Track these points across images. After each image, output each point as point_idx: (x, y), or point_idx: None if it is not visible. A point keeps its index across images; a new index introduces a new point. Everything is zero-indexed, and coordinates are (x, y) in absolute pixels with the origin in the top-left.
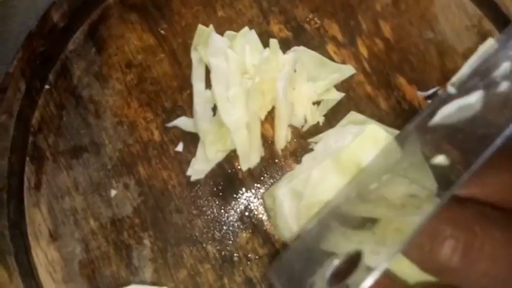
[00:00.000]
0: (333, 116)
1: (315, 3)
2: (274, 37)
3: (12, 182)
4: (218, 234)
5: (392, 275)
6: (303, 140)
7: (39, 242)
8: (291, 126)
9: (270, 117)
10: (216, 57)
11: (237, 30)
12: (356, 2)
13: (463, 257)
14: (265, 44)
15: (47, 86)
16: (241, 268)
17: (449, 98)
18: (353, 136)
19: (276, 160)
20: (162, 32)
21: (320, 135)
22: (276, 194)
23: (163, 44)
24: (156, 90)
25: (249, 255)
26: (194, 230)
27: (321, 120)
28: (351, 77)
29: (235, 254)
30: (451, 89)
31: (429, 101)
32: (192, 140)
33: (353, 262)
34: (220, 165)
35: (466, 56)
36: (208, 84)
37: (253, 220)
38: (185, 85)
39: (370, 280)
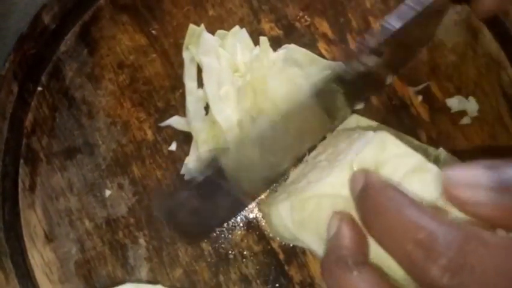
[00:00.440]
0: None
1: (305, 1)
2: (265, 35)
3: (6, 184)
4: (213, 232)
5: (391, 280)
6: None
7: (35, 243)
8: None
9: None
10: (207, 56)
11: (228, 29)
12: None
13: (453, 278)
14: (256, 43)
15: (39, 88)
16: (236, 265)
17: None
18: (361, 143)
19: None
20: (153, 32)
21: (325, 140)
22: (274, 208)
23: (155, 44)
24: (148, 90)
25: (244, 253)
26: None
27: None
28: None
29: (230, 252)
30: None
31: (420, 96)
32: (185, 139)
33: None
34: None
35: (454, 51)
36: (201, 83)
37: (247, 218)
38: (178, 84)
39: None
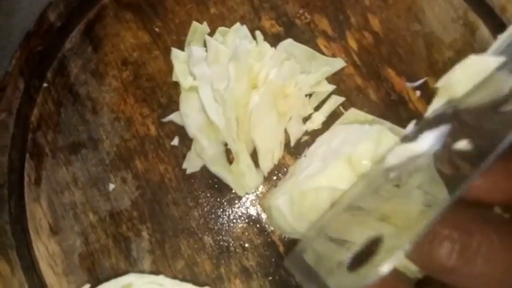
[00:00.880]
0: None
1: None
2: (265, 32)
3: (12, 178)
4: (214, 225)
5: (397, 273)
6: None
7: (40, 236)
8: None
9: None
10: (198, 66)
11: (229, 26)
12: None
13: (459, 258)
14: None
15: (45, 84)
16: (237, 257)
17: None
18: (358, 136)
19: None
20: (157, 29)
21: (324, 134)
22: (274, 202)
23: (158, 41)
24: (152, 86)
25: (245, 245)
26: (191, 221)
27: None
28: (342, 69)
29: (231, 244)
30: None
31: (418, 92)
32: (187, 134)
33: (367, 249)
34: None
35: (452, 47)
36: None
37: (248, 210)
38: None
39: (392, 262)
